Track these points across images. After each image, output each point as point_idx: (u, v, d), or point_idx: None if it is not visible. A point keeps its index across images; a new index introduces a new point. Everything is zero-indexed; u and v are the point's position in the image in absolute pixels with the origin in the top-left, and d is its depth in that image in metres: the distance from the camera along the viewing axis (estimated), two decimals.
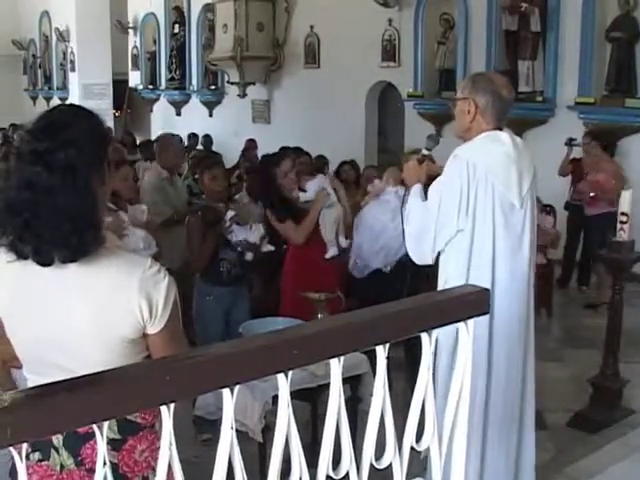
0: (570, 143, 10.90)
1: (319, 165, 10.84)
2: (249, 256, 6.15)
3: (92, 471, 2.51)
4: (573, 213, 10.66)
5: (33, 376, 2.59)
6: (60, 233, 2.34)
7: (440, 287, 4.28)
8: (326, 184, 6.42)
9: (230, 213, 6.05)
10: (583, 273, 10.75)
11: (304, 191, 6.34)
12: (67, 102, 19.21)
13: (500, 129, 4.32)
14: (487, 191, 4.14)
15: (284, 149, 7.42)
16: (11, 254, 2.41)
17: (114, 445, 2.52)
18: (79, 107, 2.66)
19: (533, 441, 4.54)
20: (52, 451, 2.56)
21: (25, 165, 2.38)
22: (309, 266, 6.22)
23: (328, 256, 6.26)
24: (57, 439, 2.53)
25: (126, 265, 2.49)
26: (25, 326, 2.52)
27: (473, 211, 4.13)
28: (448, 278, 4.27)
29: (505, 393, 4.32)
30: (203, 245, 6.02)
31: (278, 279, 6.86)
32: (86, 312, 2.44)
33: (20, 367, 2.69)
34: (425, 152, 4.63)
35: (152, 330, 2.50)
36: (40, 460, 2.56)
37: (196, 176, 9.53)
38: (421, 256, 4.33)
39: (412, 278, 5.74)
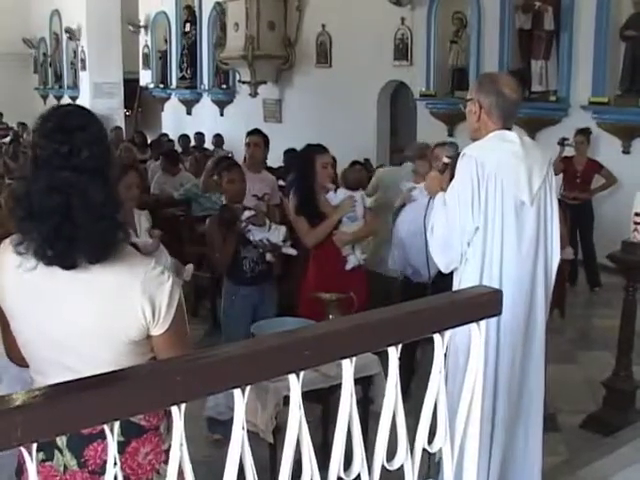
0: (563, 143, 10.96)
1: None
2: (269, 256, 6.17)
3: (95, 473, 2.53)
4: (564, 212, 10.68)
5: (39, 376, 2.60)
6: (93, 233, 2.37)
7: (455, 288, 4.28)
8: (358, 197, 6.42)
9: (247, 213, 6.06)
10: (591, 274, 10.74)
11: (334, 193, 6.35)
12: (77, 101, 19.32)
13: (509, 128, 4.33)
14: (496, 189, 4.16)
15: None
16: (32, 260, 2.42)
17: (117, 447, 2.52)
18: (84, 108, 2.67)
19: (537, 446, 4.52)
20: (56, 452, 2.57)
21: (50, 169, 2.39)
22: (329, 270, 6.21)
23: (348, 267, 6.27)
24: (61, 440, 2.54)
25: (129, 266, 2.50)
26: (31, 326, 2.53)
27: (485, 209, 4.15)
28: (462, 279, 4.27)
29: (509, 394, 4.33)
30: (224, 245, 6.05)
31: (289, 280, 6.88)
32: (90, 312, 2.46)
33: (26, 366, 2.70)
34: (446, 160, 4.64)
35: (156, 331, 2.51)
36: (43, 460, 2.56)
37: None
38: (449, 263, 4.31)
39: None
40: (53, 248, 2.38)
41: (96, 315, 2.44)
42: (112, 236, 2.42)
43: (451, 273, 4.41)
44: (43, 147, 2.42)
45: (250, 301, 6.16)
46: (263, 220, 6.17)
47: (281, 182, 9.60)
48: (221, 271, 6.38)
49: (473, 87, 4.45)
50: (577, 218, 10.34)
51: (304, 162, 6.45)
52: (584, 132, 10.96)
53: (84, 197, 2.36)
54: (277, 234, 6.14)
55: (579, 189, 10.69)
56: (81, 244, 2.37)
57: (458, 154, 4.63)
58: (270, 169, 9.91)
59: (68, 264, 2.41)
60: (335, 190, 6.35)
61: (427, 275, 6.55)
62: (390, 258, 7.05)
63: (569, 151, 10.94)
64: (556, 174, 10.74)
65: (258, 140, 8.65)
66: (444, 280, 4.57)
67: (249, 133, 8.82)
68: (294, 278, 7.11)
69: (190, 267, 6.14)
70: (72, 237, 2.36)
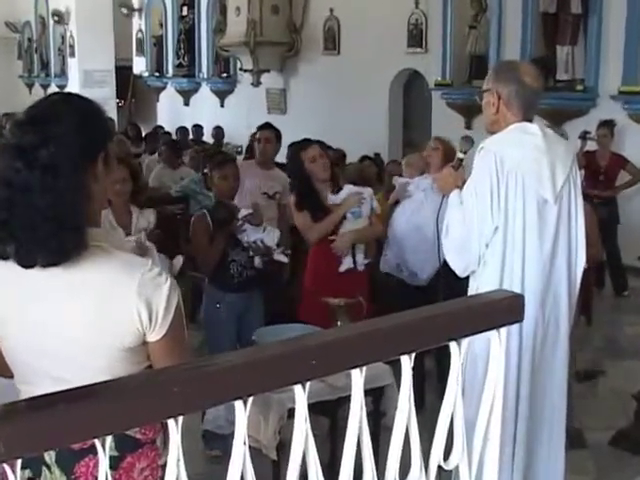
0: (584, 137, 10.94)
1: (336, 159, 10.80)
2: (257, 262, 6.16)
3: None
4: (594, 210, 10.68)
5: (25, 386, 2.59)
6: (37, 235, 2.33)
7: (472, 292, 4.27)
8: (367, 195, 6.43)
9: (244, 211, 6.06)
10: (617, 278, 10.69)
11: (338, 192, 6.37)
12: (66, 90, 19.28)
13: (529, 120, 4.33)
14: (517, 185, 4.16)
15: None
16: None
17: (111, 463, 2.50)
18: (76, 96, 2.66)
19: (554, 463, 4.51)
20: (43, 469, 2.56)
21: (7, 160, 2.38)
22: (328, 270, 6.23)
23: (342, 269, 6.26)
24: (49, 456, 2.54)
25: (124, 267, 2.49)
26: (14, 332, 2.53)
27: (505, 207, 4.14)
28: (480, 283, 4.26)
29: (531, 408, 4.33)
30: (211, 246, 6.03)
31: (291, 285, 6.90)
32: (80, 317, 2.44)
33: (9, 376, 2.70)
34: (461, 155, 4.65)
35: (152, 337, 2.50)
36: (30, 479, 2.56)
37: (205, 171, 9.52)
38: (467, 266, 4.31)
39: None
40: (5, 244, 2.38)
41: (87, 320, 2.43)
42: (56, 242, 2.35)
43: (462, 276, 4.41)
44: (12, 136, 2.43)
45: (236, 309, 6.13)
46: (261, 219, 6.18)
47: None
48: (205, 273, 6.34)
49: (489, 77, 4.45)
50: (601, 217, 10.34)
51: (292, 163, 6.59)
52: (608, 124, 10.93)
53: (30, 195, 2.33)
54: (272, 236, 6.15)
55: (603, 186, 10.65)
56: (30, 245, 2.36)
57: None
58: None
59: (24, 263, 2.40)
60: (337, 190, 6.36)
61: (427, 275, 6.59)
62: (382, 260, 7.05)
63: (592, 145, 10.92)
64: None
65: (269, 135, 8.68)
66: (457, 284, 4.57)
67: (260, 128, 8.85)
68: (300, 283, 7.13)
69: (178, 260, 6.15)
70: (17, 237, 2.35)
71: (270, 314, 6.40)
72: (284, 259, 6.35)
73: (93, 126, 2.52)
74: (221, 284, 6.14)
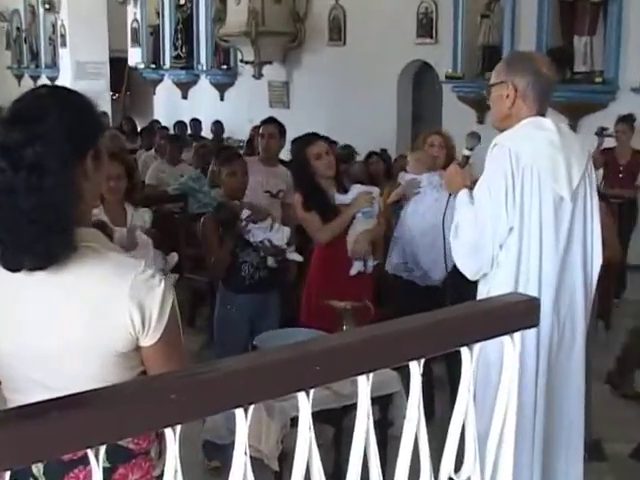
0: (601, 133, 10.90)
1: (345, 156, 10.80)
2: (271, 261, 6.17)
3: None
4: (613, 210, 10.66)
5: (13, 394, 2.60)
6: (22, 238, 2.34)
7: (482, 296, 4.25)
8: (375, 194, 6.43)
9: (245, 212, 6.08)
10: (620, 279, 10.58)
11: (345, 192, 6.36)
12: (57, 82, 19.29)
13: (543, 115, 4.32)
14: (533, 181, 4.15)
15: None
16: None
17: (103, 474, 2.49)
18: (63, 89, 2.66)
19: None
20: None
21: None
22: (336, 272, 6.22)
23: (353, 272, 6.25)
24: (37, 467, 2.53)
25: (115, 268, 2.49)
26: (3, 337, 2.53)
27: (520, 204, 4.13)
28: (492, 286, 4.24)
29: (547, 417, 4.32)
30: (221, 247, 6.06)
31: (299, 287, 6.91)
32: (69, 322, 2.45)
33: None
34: (467, 153, 4.65)
35: (146, 342, 2.50)
36: None
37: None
38: (480, 268, 4.27)
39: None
40: None
41: (76, 324, 2.43)
42: (42, 245, 2.36)
43: (473, 279, 4.39)
44: None
45: (248, 312, 6.15)
46: (263, 214, 6.20)
47: None
48: (218, 275, 6.38)
49: (501, 69, 4.41)
50: (619, 218, 10.33)
51: (296, 159, 6.60)
52: (627, 119, 10.90)
53: (15, 197, 2.33)
54: (281, 236, 6.16)
55: (622, 185, 10.62)
56: (15, 248, 2.36)
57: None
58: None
59: (10, 267, 2.40)
60: (345, 190, 6.36)
61: (440, 275, 6.59)
62: (387, 261, 7.02)
63: (610, 142, 10.89)
64: (597, 168, 10.75)
65: (273, 130, 8.71)
66: (466, 286, 4.56)
67: (263, 122, 8.89)
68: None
69: (173, 257, 6.18)
70: (2, 240, 2.36)
71: (285, 317, 6.44)
72: (298, 257, 6.37)
73: (82, 121, 2.51)
74: (232, 286, 6.20)
